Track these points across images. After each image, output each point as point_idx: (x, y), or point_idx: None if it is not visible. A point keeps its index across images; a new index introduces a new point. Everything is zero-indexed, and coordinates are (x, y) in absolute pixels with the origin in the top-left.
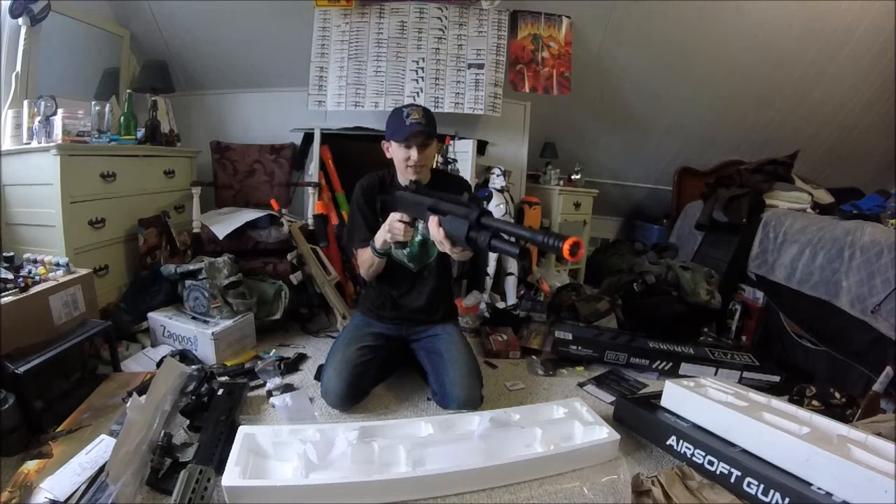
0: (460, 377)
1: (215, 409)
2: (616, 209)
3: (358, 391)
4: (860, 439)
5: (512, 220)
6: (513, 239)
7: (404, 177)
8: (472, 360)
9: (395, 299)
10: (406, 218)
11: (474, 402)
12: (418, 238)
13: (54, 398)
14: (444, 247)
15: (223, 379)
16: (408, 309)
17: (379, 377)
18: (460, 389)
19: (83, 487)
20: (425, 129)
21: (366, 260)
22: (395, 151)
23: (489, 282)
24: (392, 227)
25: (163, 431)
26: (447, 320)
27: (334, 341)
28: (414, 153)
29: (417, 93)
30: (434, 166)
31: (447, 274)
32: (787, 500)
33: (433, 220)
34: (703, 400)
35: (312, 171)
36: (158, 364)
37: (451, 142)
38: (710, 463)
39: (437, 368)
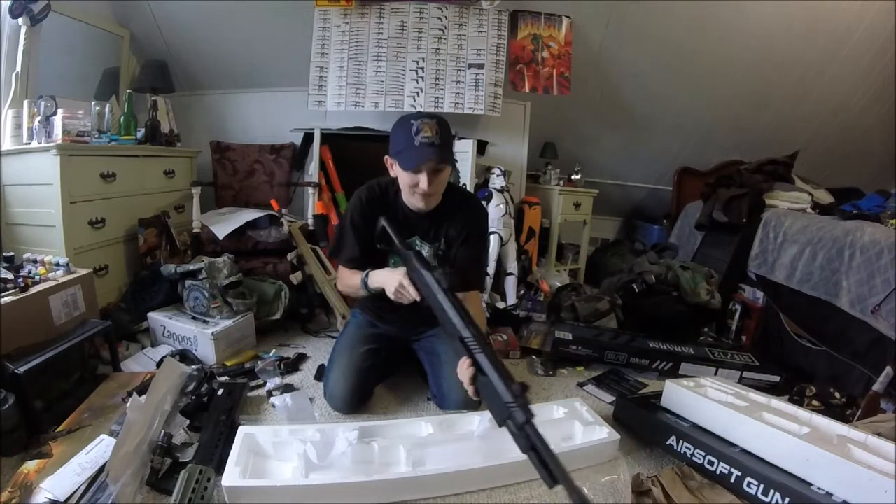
0: (457, 380)
1: (215, 409)
2: (616, 209)
3: (364, 394)
4: (860, 439)
5: (511, 221)
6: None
7: (411, 201)
8: None
9: (392, 306)
10: (416, 297)
11: (472, 404)
12: None
13: (54, 398)
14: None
15: (223, 379)
16: (407, 314)
17: (380, 377)
18: (457, 393)
19: (83, 487)
20: (440, 153)
21: (351, 285)
22: (400, 173)
23: (489, 282)
24: (398, 294)
25: (163, 431)
26: None
27: (336, 341)
28: (424, 182)
29: (417, 93)
30: None
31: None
32: (787, 500)
33: (469, 371)
34: (703, 400)
35: (312, 171)
36: (158, 364)
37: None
38: (710, 463)
39: (435, 370)
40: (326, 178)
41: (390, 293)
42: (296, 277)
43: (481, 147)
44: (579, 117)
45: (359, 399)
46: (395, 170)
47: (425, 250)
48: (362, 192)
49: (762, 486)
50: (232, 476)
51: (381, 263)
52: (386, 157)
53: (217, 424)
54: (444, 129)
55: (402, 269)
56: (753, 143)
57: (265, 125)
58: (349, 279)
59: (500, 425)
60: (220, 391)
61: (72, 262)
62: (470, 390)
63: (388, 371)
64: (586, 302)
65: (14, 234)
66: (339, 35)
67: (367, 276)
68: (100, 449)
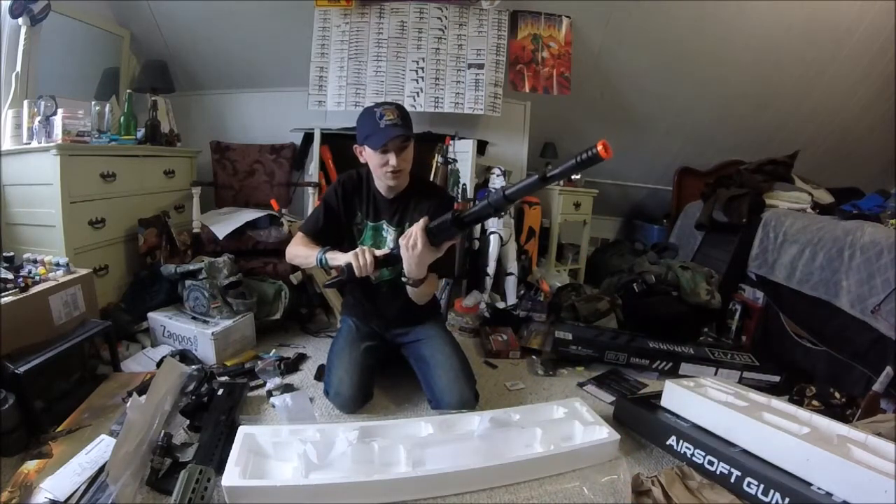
0: (448, 382)
1: (215, 409)
2: (616, 209)
3: (368, 392)
4: (860, 439)
5: (511, 221)
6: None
7: (382, 182)
8: (460, 361)
9: (370, 307)
10: (378, 253)
11: (467, 405)
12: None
13: (54, 398)
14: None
15: (223, 379)
16: (386, 314)
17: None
18: (450, 396)
19: (83, 487)
20: (403, 131)
21: (301, 254)
22: (370, 157)
23: (489, 282)
24: (359, 262)
25: (163, 431)
26: (428, 320)
27: (333, 343)
28: (392, 159)
29: (417, 93)
30: (434, 167)
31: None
32: (787, 500)
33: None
34: (703, 400)
35: (312, 171)
36: (158, 364)
37: (451, 142)
38: (710, 463)
39: (425, 376)
40: (326, 178)
41: (348, 259)
42: (296, 277)
43: (481, 147)
44: (579, 117)
45: (364, 396)
46: (366, 155)
47: (391, 234)
48: (343, 177)
49: (762, 486)
50: (232, 476)
51: (337, 242)
52: (355, 146)
53: (217, 424)
54: (403, 112)
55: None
56: (753, 143)
57: (265, 125)
58: (301, 247)
59: (454, 222)
60: (220, 391)
61: (72, 262)
62: (420, 232)
63: (383, 369)
64: (586, 302)
65: (14, 234)
66: (339, 35)
67: (324, 252)
68: (100, 449)
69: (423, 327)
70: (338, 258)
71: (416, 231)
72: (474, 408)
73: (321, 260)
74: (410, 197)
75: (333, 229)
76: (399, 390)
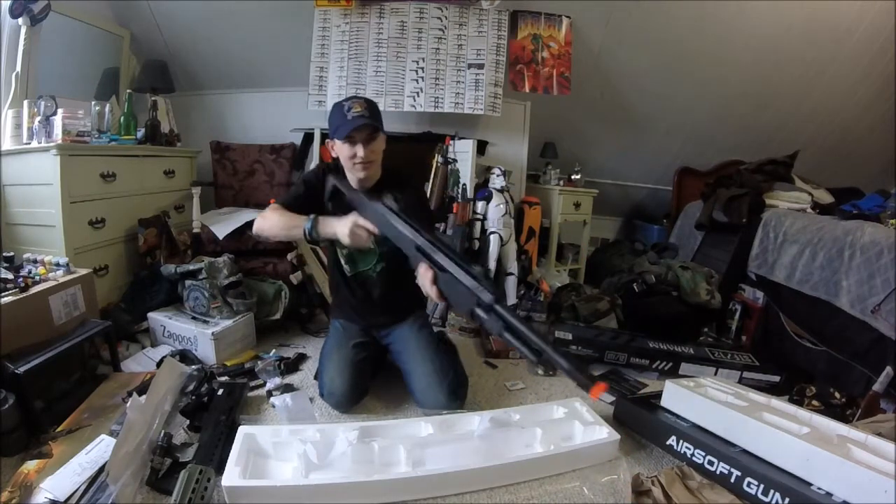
0: (424, 387)
1: (215, 409)
2: (616, 209)
3: (361, 389)
4: (860, 439)
5: (511, 221)
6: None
7: (353, 175)
8: (436, 362)
9: (356, 305)
10: (374, 229)
11: (448, 406)
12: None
13: (54, 398)
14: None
15: (223, 379)
16: (367, 315)
17: (372, 373)
18: (427, 401)
19: (83, 487)
20: (369, 121)
21: (279, 223)
22: (339, 149)
23: None
24: (354, 233)
25: (163, 431)
26: (406, 318)
27: (324, 345)
28: (360, 150)
29: (417, 93)
30: (434, 167)
31: (397, 273)
32: (787, 500)
33: (427, 274)
34: (703, 400)
35: None
36: (158, 364)
37: (451, 142)
38: (710, 463)
39: (408, 378)
40: None
41: (345, 235)
42: (296, 277)
43: (481, 147)
44: (579, 117)
45: (358, 394)
46: (336, 148)
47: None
48: (323, 164)
49: (762, 486)
50: (232, 476)
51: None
52: (326, 141)
53: (217, 424)
54: (371, 106)
55: (352, 214)
56: (753, 143)
57: (265, 125)
58: (281, 216)
59: (470, 315)
60: (220, 391)
61: (72, 262)
62: (433, 292)
63: (377, 369)
64: (586, 302)
65: (14, 234)
66: (339, 35)
67: (313, 220)
68: (100, 449)
69: (401, 328)
70: (330, 230)
71: (430, 291)
72: (461, 406)
73: (310, 231)
74: (382, 189)
75: (315, 205)
76: (398, 390)
